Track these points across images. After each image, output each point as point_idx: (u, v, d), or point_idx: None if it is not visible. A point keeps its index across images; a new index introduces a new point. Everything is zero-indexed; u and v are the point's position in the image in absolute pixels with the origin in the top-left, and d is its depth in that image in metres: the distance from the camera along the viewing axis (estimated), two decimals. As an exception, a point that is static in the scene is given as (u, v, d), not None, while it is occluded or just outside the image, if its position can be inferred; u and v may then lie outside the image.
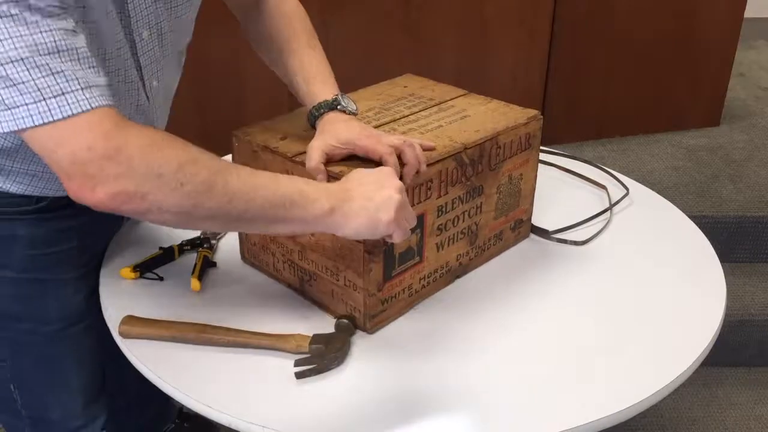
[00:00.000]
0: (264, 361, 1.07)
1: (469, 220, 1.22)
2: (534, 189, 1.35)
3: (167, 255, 1.29)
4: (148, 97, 1.18)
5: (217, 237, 1.36)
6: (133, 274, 1.24)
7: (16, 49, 0.82)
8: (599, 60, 2.62)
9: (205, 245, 1.30)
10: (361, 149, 1.09)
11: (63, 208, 1.19)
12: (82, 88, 0.84)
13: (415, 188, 1.09)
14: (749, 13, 2.69)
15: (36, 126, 0.84)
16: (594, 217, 1.43)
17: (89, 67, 0.87)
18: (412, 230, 1.06)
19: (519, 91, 2.56)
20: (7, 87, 0.83)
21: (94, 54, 0.91)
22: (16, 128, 0.84)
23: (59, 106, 0.83)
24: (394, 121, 1.25)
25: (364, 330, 1.12)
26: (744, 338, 2.25)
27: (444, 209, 1.17)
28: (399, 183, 0.99)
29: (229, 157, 1.22)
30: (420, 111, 1.29)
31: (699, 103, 2.79)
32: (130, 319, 1.12)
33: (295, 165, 1.12)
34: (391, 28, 2.38)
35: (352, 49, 2.35)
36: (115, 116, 0.86)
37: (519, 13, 2.48)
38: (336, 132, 1.10)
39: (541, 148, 1.36)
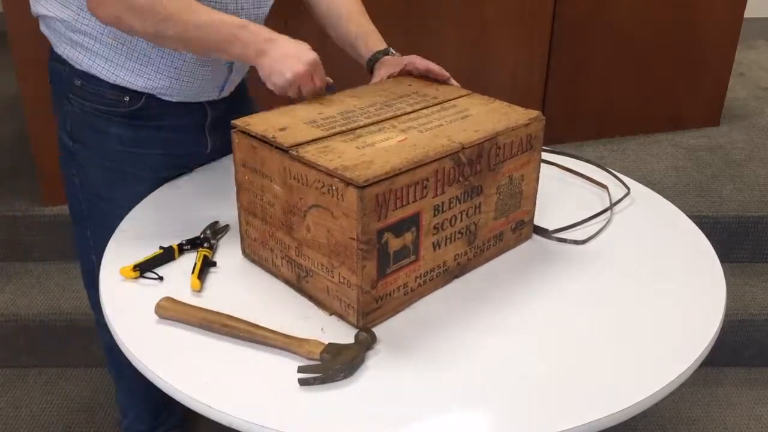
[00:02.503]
0: (269, 362, 1.07)
1: (467, 219, 1.22)
2: (536, 191, 1.34)
3: (167, 255, 1.29)
4: None
5: (217, 237, 1.36)
6: (133, 274, 1.24)
7: None
8: (599, 60, 2.62)
9: (205, 245, 1.30)
10: (406, 65, 1.46)
11: (151, 118, 1.45)
12: None
13: (410, 186, 1.09)
14: (749, 13, 2.69)
15: None
16: (594, 217, 1.43)
17: None
18: (408, 229, 1.11)
19: (519, 91, 2.56)
20: None
21: None
22: None
23: None
24: (395, 117, 1.25)
25: (357, 327, 1.12)
26: (744, 338, 2.25)
27: (441, 208, 1.16)
28: (312, 56, 1.30)
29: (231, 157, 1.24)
30: (422, 109, 1.29)
31: (699, 103, 2.79)
32: (167, 300, 1.16)
33: (293, 161, 1.11)
34: (391, 28, 2.37)
35: (352, 48, 2.35)
36: None
37: (519, 13, 2.48)
38: (387, 64, 1.48)
39: (544, 147, 1.36)
